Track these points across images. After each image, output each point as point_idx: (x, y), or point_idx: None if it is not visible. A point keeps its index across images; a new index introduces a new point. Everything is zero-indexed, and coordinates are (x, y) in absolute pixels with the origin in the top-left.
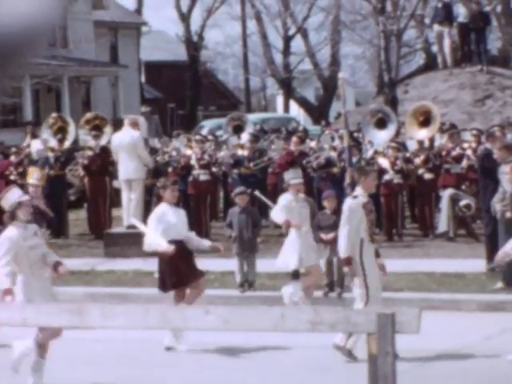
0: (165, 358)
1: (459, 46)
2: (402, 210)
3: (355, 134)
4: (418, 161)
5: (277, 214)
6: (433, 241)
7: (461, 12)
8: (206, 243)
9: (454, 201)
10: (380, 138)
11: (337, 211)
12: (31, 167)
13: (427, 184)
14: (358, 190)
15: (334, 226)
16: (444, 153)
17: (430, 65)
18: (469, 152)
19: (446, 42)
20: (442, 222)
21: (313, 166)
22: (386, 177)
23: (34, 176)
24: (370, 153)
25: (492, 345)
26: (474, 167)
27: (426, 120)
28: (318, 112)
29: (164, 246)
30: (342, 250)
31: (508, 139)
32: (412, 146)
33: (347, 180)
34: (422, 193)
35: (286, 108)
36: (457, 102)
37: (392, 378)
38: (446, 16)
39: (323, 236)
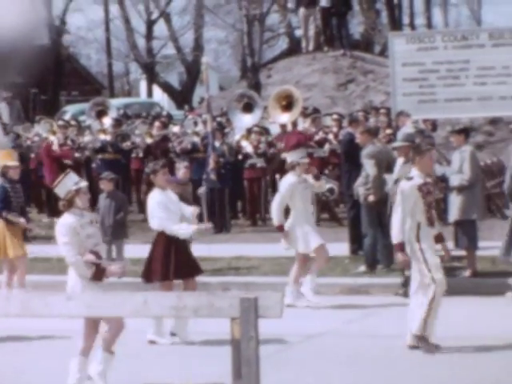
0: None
1: (322, 30)
2: (266, 194)
3: (218, 119)
4: (280, 145)
5: (276, 210)
6: None
7: None
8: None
9: None
10: (246, 122)
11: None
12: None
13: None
14: (414, 171)
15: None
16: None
17: (293, 49)
18: (331, 136)
19: (311, 26)
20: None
21: (176, 151)
22: (250, 161)
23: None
24: (236, 137)
25: (355, 328)
26: (336, 151)
27: (288, 104)
28: (182, 97)
29: (193, 228)
30: (394, 235)
31: (370, 123)
32: (275, 129)
33: (211, 165)
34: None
35: (150, 93)
36: (320, 86)
37: (255, 363)
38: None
39: None
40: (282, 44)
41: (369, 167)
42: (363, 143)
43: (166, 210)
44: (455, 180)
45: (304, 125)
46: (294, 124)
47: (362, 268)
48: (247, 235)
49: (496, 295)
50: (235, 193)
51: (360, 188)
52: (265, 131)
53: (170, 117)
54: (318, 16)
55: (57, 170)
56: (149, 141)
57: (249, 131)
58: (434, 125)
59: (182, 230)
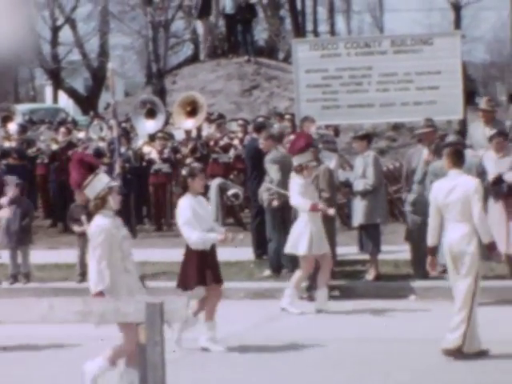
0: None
1: (226, 37)
2: (171, 199)
3: (123, 124)
4: (185, 150)
5: (298, 200)
6: None
7: (227, 3)
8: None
9: (223, 190)
10: (150, 127)
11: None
12: None
13: None
14: None
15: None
16: (212, 142)
17: (198, 55)
18: (236, 142)
19: (212, 34)
20: (211, 211)
21: None
22: (155, 166)
23: None
24: (139, 143)
25: (260, 332)
26: (241, 157)
27: (193, 110)
28: (88, 102)
29: (215, 237)
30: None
31: (275, 129)
32: (180, 135)
33: (116, 170)
34: None
35: (55, 99)
36: (225, 92)
37: (161, 367)
38: (206, 7)
39: (76, 228)
40: (187, 50)
41: (273, 172)
42: (267, 149)
43: (193, 215)
44: (359, 185)
45: (209, 130)
46: (199, 130)
47: (267, 272)
48: (153, 240)
49: (399, 298)
50: (140, 198)
51: (264, 193)
52: (169, 137)
53: (75, 123)
54: (220, 23)
55: None
56: (54, 147)
57: (152, 137)
58: (337, 130)
59: (205, 238)
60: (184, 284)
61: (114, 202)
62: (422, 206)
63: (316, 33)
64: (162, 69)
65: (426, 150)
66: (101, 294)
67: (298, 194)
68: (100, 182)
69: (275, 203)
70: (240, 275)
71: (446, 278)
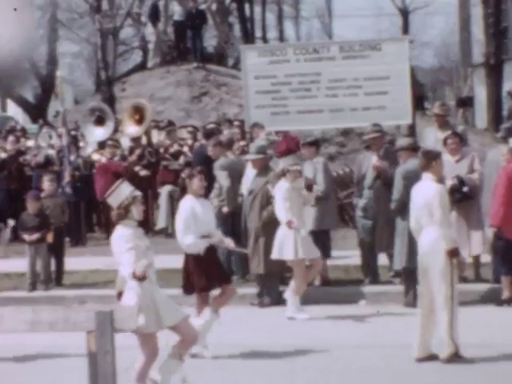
0: None
1: (175, 43)
2: None
3: (73, 132)
4: (133, 158)
5: (280, 211)
6: (152, 237)
7: (176, 10)
8: (228, 243)
9: (173, 197)
10: (99, 135)
11: (42, 211)
12: None
13: (143, 181)
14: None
15: (40, 228)
16: (162, 150)
17: (147, 63)
18: (186, 149)
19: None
20: (161, 218)
21: (31, 165)
22: None
23: None
24: (88, 150)
25: (208, 338)
26: (191, 164)
27: (141, 118)
28: (37, 111)
29: (208, 242)
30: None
31: (224, 135)
32: (126, 143)
33: (66, 178)
34: (138, 189)
35: (4, 107)
36: (174, 99)
37: (112, 376)
38: (155, 14)
39: (27, 237)
40: (136, 58)
41: (222, 179)
42: (215, 156)
43: (190, 217)
44: None
45: (159, 138)
46: (149, 137)
47: None
48: (103, 248)
49: (349, 303)
50: (90, 206)
51: (214, 200)
52: (119, 144)
53: (24, 131)
54: (169, 29)
55: None
56: (3, 155)
57: (102, 144)
58: None
59: (196, 245)
60: (187, 289)
61: (137, 212)
62: (372, 211)
63: (265, 39)
64: (111, 76)
65: (374, 155)
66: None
67: (283, 199)
68: (123, 191)
69: (225, 209)
70: None
71: (395, 282)
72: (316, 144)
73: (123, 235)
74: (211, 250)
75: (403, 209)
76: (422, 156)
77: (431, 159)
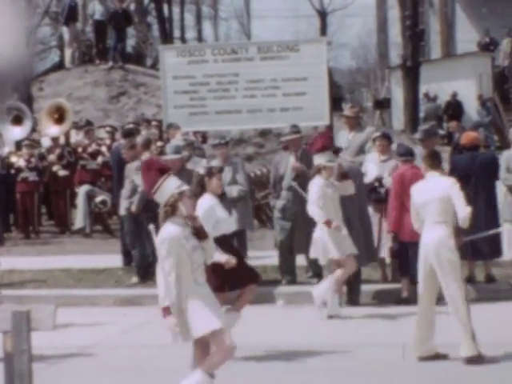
0: None
1: (94, 43)
2: (39, 207)
3: None
4: (52, 157)
5: (315, 210)
6: (70, 237)
7: (97, 9)
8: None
9: (90, 197)
10: (16, 134)
11: None
12: None
13: (62, 180)
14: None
15: None
16: (80, 149)
17: (65, 62)
18: (104, 149)
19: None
20: (79, 218)
21: None
22: (22, 174)
23: None
24: (5, 150)
25: (129, 338)
26: (109, 163)
27: (60, 117)
28: None
29: (224, 259)
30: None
31: (141, 136)
32: (47, 142)
33: None
34: (57, 189)
35: None
36: (92, 98)
37: (28, 376)
38: (72, 14)
39: None
40: (54, 57)
41: (139, 179)
42: (128, 158)
43: (208, 216)
44: (233, 191)
45: (77, 137)
46: (67, 137)
47: (134, 279)
48: (20, 248)
49: (266, 303)
50: (7, 206)
51: (124, 201)
52: (37, 144)
53: None
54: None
55: None
56: None
57: (19, 144)
58: (205, 137)
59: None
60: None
61: (185, 208)
62: (290, 212)
63: (183, 39)
64: (28, 76)
65: (292, 156)
66: (167, 309)
67: (317, 196)
68: (169, 187)
69: (132, 209)
70: (108, 282)
71: (313, 283)
72: (227, 144)
73: (165, 237)
74: (233, 249)
75: None
76: (429, 156)
77: (439, 159)
